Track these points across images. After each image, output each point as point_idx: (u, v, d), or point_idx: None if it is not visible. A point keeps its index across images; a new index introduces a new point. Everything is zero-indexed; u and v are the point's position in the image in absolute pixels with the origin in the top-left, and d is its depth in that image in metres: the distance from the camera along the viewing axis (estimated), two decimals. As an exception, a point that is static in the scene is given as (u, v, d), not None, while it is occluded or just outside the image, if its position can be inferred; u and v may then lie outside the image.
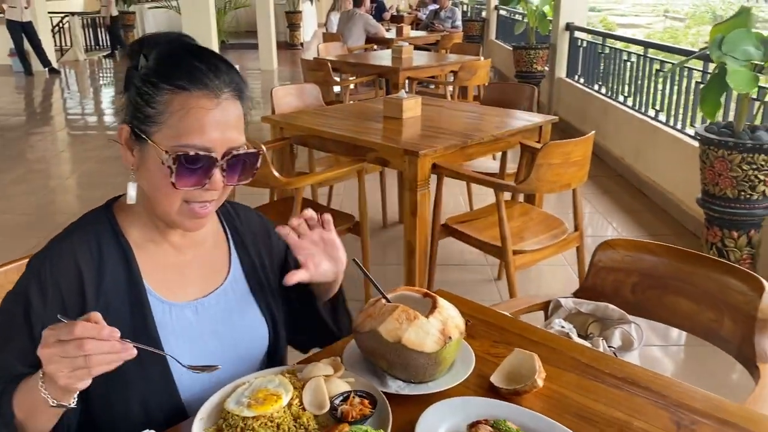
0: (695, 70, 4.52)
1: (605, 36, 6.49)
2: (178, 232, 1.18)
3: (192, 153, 1.02)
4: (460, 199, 4.77)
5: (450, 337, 1.13)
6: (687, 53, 4.45)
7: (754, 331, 1.47)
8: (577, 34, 7.10)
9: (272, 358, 1.29)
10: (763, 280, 1.48)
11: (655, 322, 1.70)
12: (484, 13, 12.57)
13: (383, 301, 1.19)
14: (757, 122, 3.39)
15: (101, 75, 12.56)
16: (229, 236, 1.28)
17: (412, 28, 10.02)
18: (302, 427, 1.02)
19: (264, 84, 10.67)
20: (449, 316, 1.17)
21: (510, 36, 10.35)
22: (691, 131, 4.55)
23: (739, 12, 2.84)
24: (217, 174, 1.05)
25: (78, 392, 0.98)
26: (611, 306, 1.64)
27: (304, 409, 1.05)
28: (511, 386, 1.14)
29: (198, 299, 1.20)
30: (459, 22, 10.16)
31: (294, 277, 1.18)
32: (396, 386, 1.14)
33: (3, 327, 1.09)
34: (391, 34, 8.87)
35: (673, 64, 4.93)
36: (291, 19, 15.12)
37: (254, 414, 1.02)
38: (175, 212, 1.09)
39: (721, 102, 2.93)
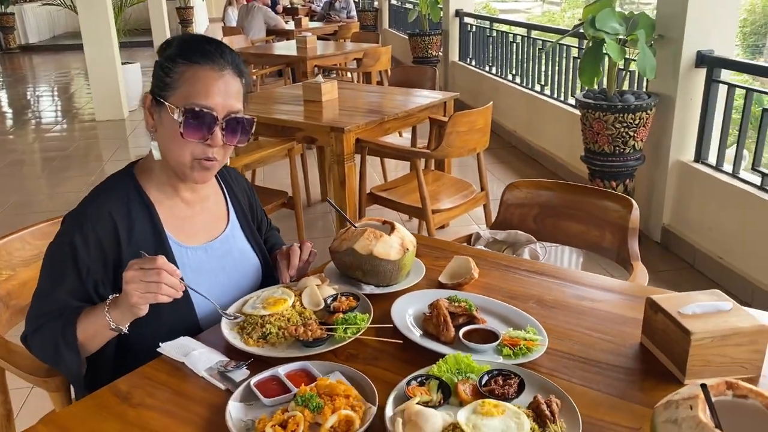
0: (572, 47, 5.11)
1: (492, 20, 7.03)
2: (187, 189, 1.47)
3: (197, 109, 1.31)
4: (374, 174, 5.15)
5: (407, 249, 1.49)
6: (564, 32, 5.03)
7: (627, 239, 1.92)
8: (466, 19, 7.64)
9: (266, 284, 1.59)
10: (632, 199, 1.94)
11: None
12: (376, 3, 12.99)
13: (352, 229, 1.53)
14: (625, 87, 3.97)
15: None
16: (226, 193, 1.58)
17: (309, 20, 10.25)
18: (306, 318, 1.34)
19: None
20: (404, 234, 1.53)
21: (403, 24, 10.83)
22: (572, 101, 5.14)
23: (603, -6, 3.37)
24: (217, 132, 1.34)
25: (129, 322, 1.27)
26: (520, 232, 2.05)
27: (304, 308, 1.38)
28: (454, 281, 1.52)
29: (207, 243, 1.49)
30: (354, 13, 10.50)
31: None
32: (369, 289, 1.49)
33: (55, 270, 1.34)
34: (290, 26, 9.09)
35: (551, 42, 5.51)
36: (182, 14, 14.93)
37: (269, 312, 1.33)
38: (186, 165, 1.37)
39: (600, 70, 3.45)
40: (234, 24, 9.33)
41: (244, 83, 1.40)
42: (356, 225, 1.55)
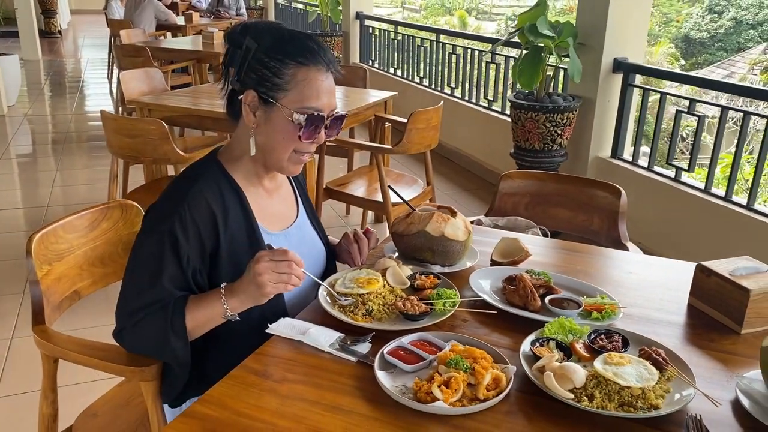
0: (483, 51, 5.43)
1: (397, 24, 7.26)
2: (268, 179, 1.50)
3: (315, 114, 1.35)
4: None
5: (470, 230, 1.61)
6: (475, 38, 5.34)
7: (617, 222, 2.16)
8: (367, 22, 7.82)
9: (328, 268, 1.64)
10: (619, 186, 2.19)
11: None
12: (260, 2, 12.84)
13: (417, 212, 1.62)
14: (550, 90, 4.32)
15: None
16: (294, 184, 1.62)
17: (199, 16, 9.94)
18: (397, 296, 1.42)
19: (31, 76, 9.80)
20: (464, 218, 1.65)
21: (291, 24, 10.81)
22: (484, 103, 5.47)
23: (537, 3, 3.66)
24: (322, 131, 1.40)
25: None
26: (519, 218, 2.23)
27: (392, 286, 1.46)
28: (508, 259, 1.66)
29: (284, 229, 1.52)
30: (244, 10, 10.32)
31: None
32: (437, 269, 1.59)
33: (154, 261, 1.31)
34: (180, 20, 8.79)
35: (464, 48, 5.83)
36: (45, 5, 13.84)
37: (367, 291, 1.40)
38: (286, 160, 1.40)
39: (540, 73, 3.74)
40: (118, 17, 8.85)
41: (336, 78, 1.45)
42: (417, 210, 1.65)
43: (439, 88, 6.22)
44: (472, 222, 2.23)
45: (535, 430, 1.06)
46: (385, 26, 7.47)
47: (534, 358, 1.21)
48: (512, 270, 1.55)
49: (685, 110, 3.53)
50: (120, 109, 6.22)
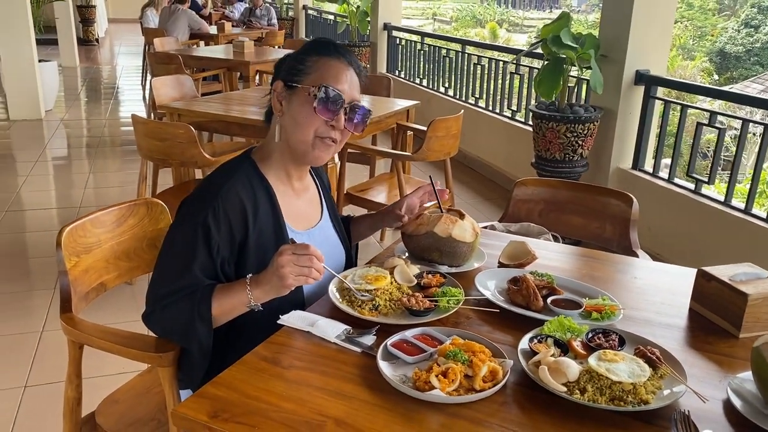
0: (507, 62, 5.48)
1: (423, 35, 7.34)
2: (297, 179, 1.58)
3: (330, 89, 1.44)
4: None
5: (477, 233, 1.67)
6: (501, 49, 5.39)
7: (629, 229, 2.19)
8: (395, 33, 7.92)
9: (347, 269, 1.71)
10: (631, 195, 2.22)
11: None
12: (291, 13, 13.06)
13: (426, 213, 1.69)
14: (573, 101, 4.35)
15: None
16: (319, 187, 1.70)
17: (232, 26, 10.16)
18: (404, 293, 1.48)
19: (68, 82, 10.10)
20: (472, 220, 1.70)
21: (320, 35, 10.98)
22: (508, 113, 5.51)
23: (560, 16, 3.71)
24: (341, 115, 1.47)
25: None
26: (532, 224, 2.27)
27: (399, 284, 1.52)
28: (515, 262, 1.71)
29: (308, 229, 1.60)
30: (275, 20, 10.52)
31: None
32: (444, 269, 1.64)
33: (186, 249, 1.40)
34: (212, 30, 9.00)
35: (488, 58, 5.88)
36: (84, 14, 14.26)
37: (375, 287, 1.46)
38: (309, 143, 1.48)
39: (560, 84, 3.78)
40: (153, 25, 9.10)
41: (362, 83, 1.54)
42: (427, 213, 1.71)
43: (463, 98, 6.28)
44: (485, 227, 2.29)
45: (528, 419, 1.11)
46: (412, 37, 7.56)
47: (531, 353, 1.26)
48: (517, 272, 1.60)
49: (706, 122, 3.53)
50: (152, 114, 6.40)
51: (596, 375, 1.17)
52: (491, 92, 5.78)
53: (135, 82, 10.08)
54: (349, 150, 3.44)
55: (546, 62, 3.82)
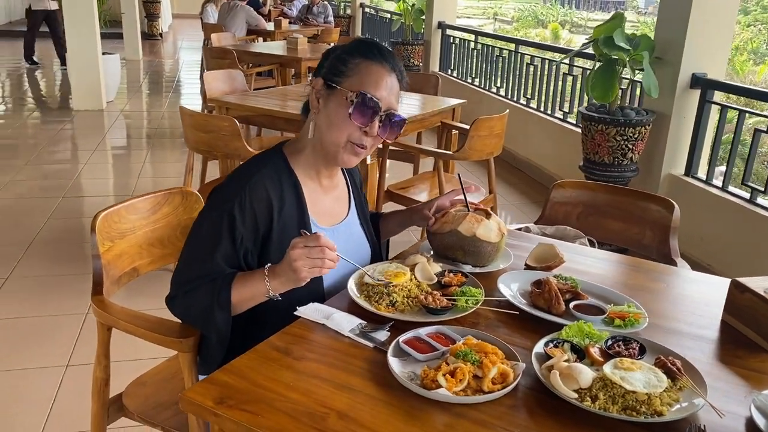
0: (560, 62, 5.37)
1: (477, 34, 7.28)
2: (326, 176, 1.59)
3: (368, 96, 1.44)
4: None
5: (504, 233, 1.64)
6: (557, 50, 5.29)
7: (668, 237, 2.12)
8: (449, 31, 7.87)
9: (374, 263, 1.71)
10: (673, 201, 2.14)
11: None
12: (349, 11, 13.15)
13: (452, 212, 1.67)
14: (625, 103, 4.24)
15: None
16: (349, 184, 1.71)
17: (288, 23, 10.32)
18: (423, 291, 1.47)
19: (131, 74, 10.45)
20: (499, 220, 1.68)
21: (376, 33, 11.04)
22: (559, 115, 5.41)
23: (613, 17, 3.61)
24: (376, 123, 1.47)
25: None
26: (568, 227, 2.22)
27: (418, 281, 1.51)
28: (543, 264, 1.67)
29: (333, 226, 1.61)
30: (332, 18, 10.61)
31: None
32: (468, 268, 1.62)
33: (211, 237, 1.43)
34: (269, 26, 9.14)
35: (542, 58, 5.78)
36: (149, 9, 14.72)
37: (393, 283, 1.46)
38: (341, 146, 1.48)
39: (616, 86, 3.69)
40: (212, 21, 9.30)
41: (401, 88, 1.53)
42: (453, 210, 1.69)
43: (515, 98, 6.19)
44: (518, 229, 2.25)
45: (535, 424, 1.09)
46: (465, 36, 7.50)
47: (546, 357, 1.23)
48: (542, 274, 1.57)
49: (765, 129, 3.38)
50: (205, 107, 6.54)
51: (610, 383, 1.13)
52: (543, 93, 5.68)
53: (195, 76, 10.34)
54: (390, 147, 3.44)
55: (598, 64, 3.73)
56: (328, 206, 1.62)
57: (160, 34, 15.32)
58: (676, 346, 1.32)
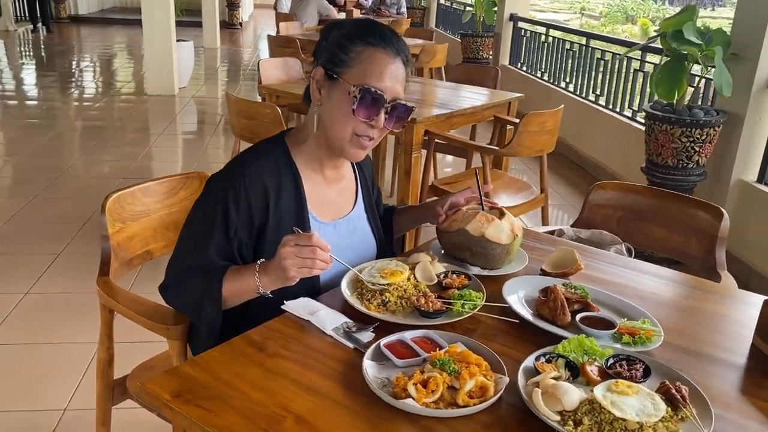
0: (634, 59, 5.10)
1: (549, 26, 7.03)
2: (330, 168, 1.52)
3: (372, 90, 1.36)
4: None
5: (516, 235, 1.53)
6: (626, 44, 5.02)
7: (715, 247, 1.94)
8: (520, 24, 7.64)
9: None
10: (722, 209, 1.96)
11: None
12: (424, 2, 13.02)
13: (464, 210, 1.57)
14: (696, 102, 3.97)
15: (33, 47, 12.12)
16: (358, 178, 1.64)
17: (360, 13, 10.33)
18: (420, 291, 1.38)
19: (207, 62, 10.72)
20: (513, 220, 1.57)
21: (450, 24, 10.87)
22: (628, 113, 5.14)
23: (684, 9, 3.37)
24: (382, 115, 1.40)
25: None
26: (604, 232, 2.07)
27: (417, 281, 1.42)
28: (558, 270, 1.55)
29: (336, 220, 1.55)
30: (404, 9, 10.53)
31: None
32: (476, 270, 1.52)
33: (204, 228, 1.39)
34: (341, 17, 9.16)
35: (612, 53, 5.51)
36: (231, -3, 15.06)
37: (387, 282, 1.38)
38: (346, 140, 1.42)
39: (684, 83, 3.44)
40: (286, 10, 9.41)
41: (407, 72, 1.45)
42: (466, 208, 1.59)
43: (583, 94, 5.94)
44: (552, 232, 2.12)
45: (507, 447, 0.99)
46: (537, 29, 7.26)
47: (535, 372, 1.13)
48: (555, 281, 1.45)
49: None
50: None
51: (598, 407, 1.02)
52: (612, 89, 5.41)
53: (268, 65, 10.49)
54: (436, 141, 3.33)
55: (665, 59, 3.49)
56: (331, 199, 1.56)
57: (240, 24, 15.65)
58: (693, 371, 1.19)
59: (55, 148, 5.63)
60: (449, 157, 5.26)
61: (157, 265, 1.87)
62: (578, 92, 6.04)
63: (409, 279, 1.41)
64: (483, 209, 1.59)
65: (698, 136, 3.49)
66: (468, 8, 9.25)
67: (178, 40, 7.79)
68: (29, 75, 9.27)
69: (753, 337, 1.31)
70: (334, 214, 1.56)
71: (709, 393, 1.12)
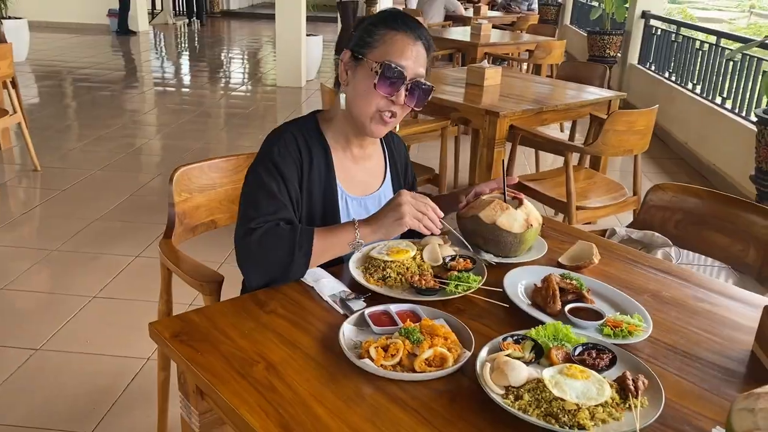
0: (764, 59, 4.73)
1: (679, 24, 6.65)
2: (357, 146, 1.64)
3: (393, 65, 1.47)
4: (525, 164, 5.15)
5: (531, 225, 1.56)
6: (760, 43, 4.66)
7: (771, 257, 1.83)
8: (653, 21, 7.27)
9: None
10: (783, 217, 1.84)
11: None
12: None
13: (483, 198, 1.63)
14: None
15: (187, 39, 13.24)
16: (387, 156, 1.74)
17: (489, 9, 10.28)
18: (422, 270, 1.46)
19: (341, 55, 11.12)
20: (531, 211, 1.60)
21: (585, 21, 10.51)
22: (754, 118, 4.77)
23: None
24: (402, 91, 1.50)
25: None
26: (656, 234, 2.02)
27: (423, 261, 1.50)
28: (573, 264, 1.56)
29: (362, 196, 1.66)
30: (535, 5, 10.36)
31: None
32: (488, 257, 1.58)
33: (264, 183, 1.49)
34: (468, 13, 9.18)
35: (743, 53, 5.13)
36: (369, -6, 15.48)
37: (391, 259, 1.47)
38: (369, 116, 1.53)
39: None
40: (414, 6, 9.58)
41: (429, 57, 1.55)
42: (486, 196, 1.65)
43: (709, 97, 5.58)
44: (603, 230, 2.10)
45: (448, 413, 1.05)
46: (669, 27, 6.89)
47: (499, 351, 1.18)
48: (554, 271, 1.47)
49: None
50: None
51: (542, 386, 1.06)
52: (740, 92, 5.05)
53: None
54: (522, 135, 3.33)
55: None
56: (358, 176, 1.66)
57: (377, 19, 16.05)
58: (672, 367, 1.19)
59: (198, 128, 6.19)
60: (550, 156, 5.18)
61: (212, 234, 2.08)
62: (704, 94, 5.68)
63: (414, 258, 1.50)
64: (504, 199, 1.63)
65: (815, 144, 3.22)
66: (598, 3, 8.91)
67: (308, 35, 8.21)
68: (183, 64, 10.19)
69: (753, 343, 1.27)
70: (362, 190, 1.67)
71: (675, 389, 1.12)
